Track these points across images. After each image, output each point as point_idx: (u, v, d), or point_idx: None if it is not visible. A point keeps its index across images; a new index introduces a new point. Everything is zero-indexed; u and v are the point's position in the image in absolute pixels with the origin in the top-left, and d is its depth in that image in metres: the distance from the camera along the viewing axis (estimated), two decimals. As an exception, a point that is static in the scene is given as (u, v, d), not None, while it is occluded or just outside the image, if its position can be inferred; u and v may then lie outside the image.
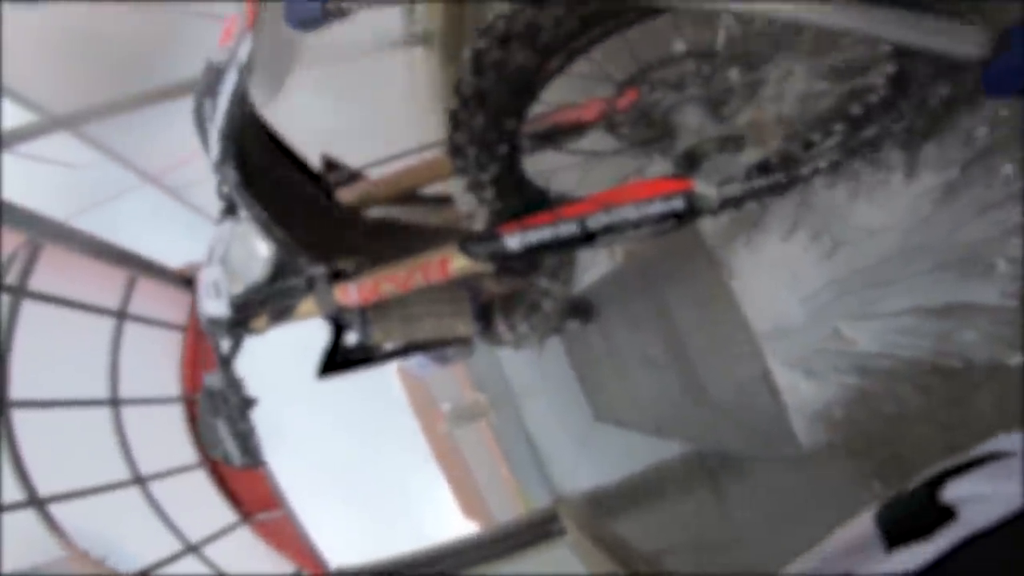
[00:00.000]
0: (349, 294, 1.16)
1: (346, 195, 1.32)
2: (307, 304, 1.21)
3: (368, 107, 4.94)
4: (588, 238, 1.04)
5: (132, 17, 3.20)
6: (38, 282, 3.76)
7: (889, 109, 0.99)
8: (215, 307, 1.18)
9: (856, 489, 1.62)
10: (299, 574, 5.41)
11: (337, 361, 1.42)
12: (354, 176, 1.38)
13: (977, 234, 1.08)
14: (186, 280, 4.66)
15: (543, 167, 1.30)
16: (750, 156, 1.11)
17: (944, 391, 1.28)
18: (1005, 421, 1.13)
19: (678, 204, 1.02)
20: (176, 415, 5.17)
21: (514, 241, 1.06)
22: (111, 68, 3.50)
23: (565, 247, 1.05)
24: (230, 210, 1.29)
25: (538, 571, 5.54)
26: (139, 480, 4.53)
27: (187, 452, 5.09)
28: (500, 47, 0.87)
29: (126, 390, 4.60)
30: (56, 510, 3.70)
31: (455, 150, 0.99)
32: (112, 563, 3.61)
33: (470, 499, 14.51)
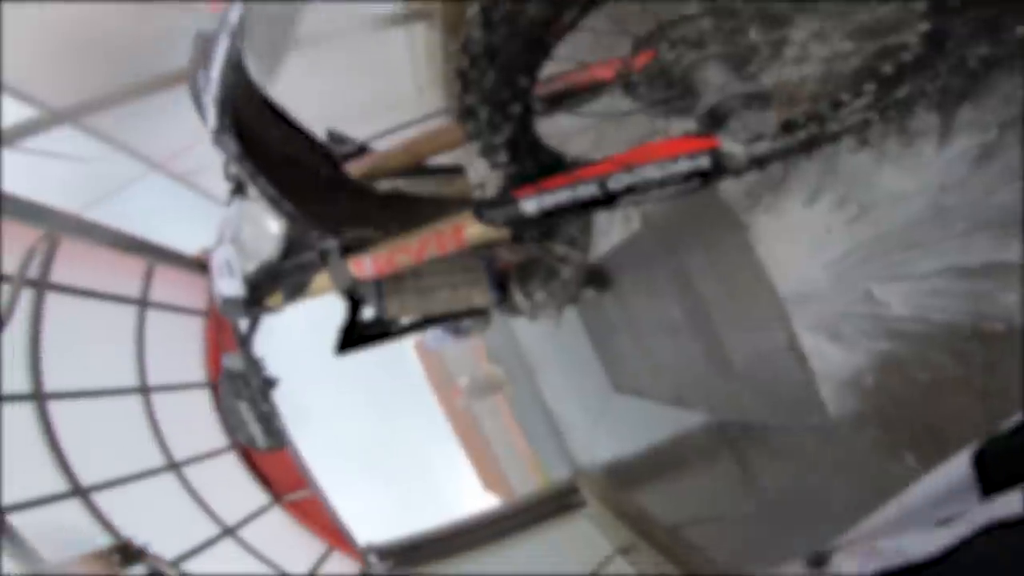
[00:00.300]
0: (363, 267, 1.14)
1: (354, 168, 1.29)
2: (322, 279, 1.20)
3: (367, 88, 4.85)
4: (609, 200, 0.99)
5: (129, 7, 3.16)
6: (59, 275, 3.83)
7: (924, 68, 0.96)
8: (229, 286, 1.17)
9: (887, 461, 1.58)
10: (330, 552, 5.57)
11: (354, 337, 1.41)
12: (361, 149, 1.34)
13: (1015, 195, 1.03)
14: (203, 266, 4.71)
15: (556, 131, 1.25)
16: (776, 116, 1.06)
17: (982, 357, 1.23)
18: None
19: (704, 162, 0.98)
20: (203, 400, 5.31)
21: (530, 205, 1.03)
22: (110, 59, 3.47)
23: (584, 210, 1.01)
24: (238, 190, 1.27)
25: (558, 543, 5.64)
26: (174, 466, 4.65)
27: (217, 436, 5.23)
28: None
29: (154, 377, 4.71)
30: (98, 499, 3.80)
31: (466, 112, 0.95)
32: (154, 550, 3.71)
33: (490, 473, 14.81)
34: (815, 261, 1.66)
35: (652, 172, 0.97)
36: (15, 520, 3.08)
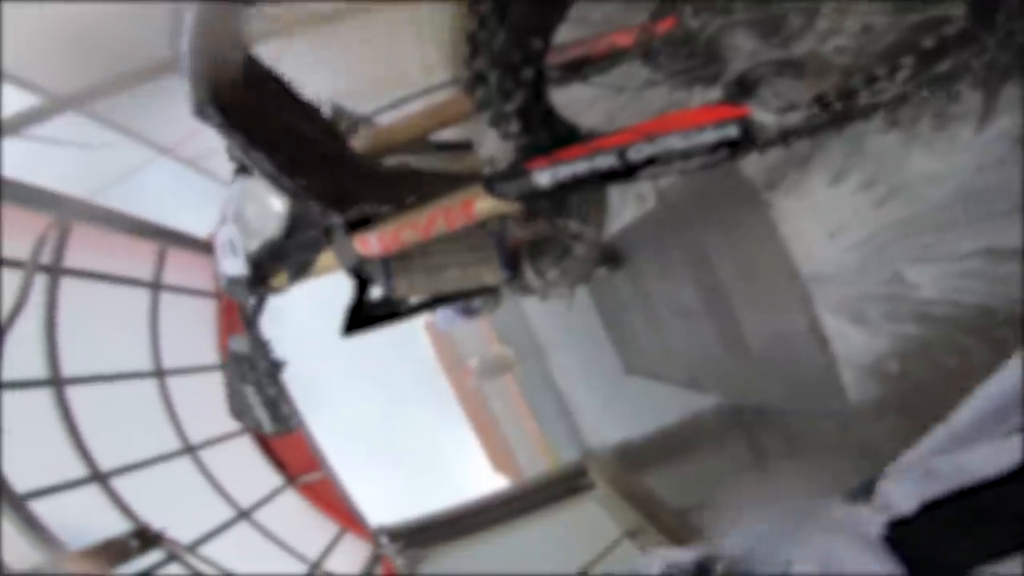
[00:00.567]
0: (370, 244, 1.10)
1: (359, 142, 1.24)
2: (327, 257, 1.16)
3: (372, 65, 4.76)
4: (628, 171, 0.93)
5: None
6: (72, 260, 3.84)
7: (968, 42, 0.90)
8: (232, 266, 1.14)
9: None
10: (343, 534, 5.67)
11: (361, 318, 1.38)
12: (365, 122, 1.29)
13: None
14: (213, 248, 4.70)
15: (569, 102, 1.19)
16: (807, 88, 1.00)
17: (1016, 343, 1.17)
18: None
19: (732, 132, 0.91)
20: (217, 382, 5.34)
21: (544, 177, 0.97)
22: (114, 45, 3.43)
23: (601, 183, 0.95)
24: (242, 169, 1.23)
25: (567, 525, 5.68)
26: (190, 449, 4.68)
27: (230, 419, 5.28)
28: None
29: (168, 361, 4.75)
30: (116, 484, 3.81)
31: (476, 78, 0.89)
32: (171, 534, 3.75)
33: (500, 454, 14.96)
34: (839, 242, 1.60)
35: (676, 142, 0.91)
36: (37, 507, 3.12)
